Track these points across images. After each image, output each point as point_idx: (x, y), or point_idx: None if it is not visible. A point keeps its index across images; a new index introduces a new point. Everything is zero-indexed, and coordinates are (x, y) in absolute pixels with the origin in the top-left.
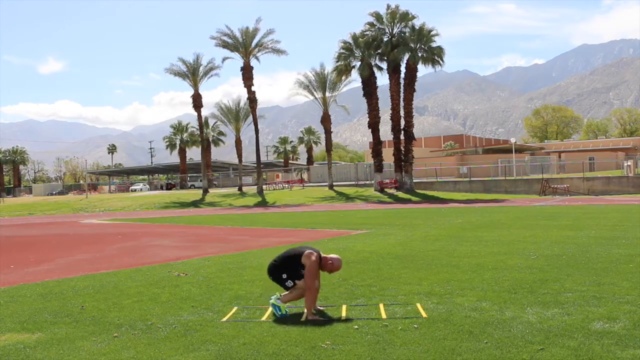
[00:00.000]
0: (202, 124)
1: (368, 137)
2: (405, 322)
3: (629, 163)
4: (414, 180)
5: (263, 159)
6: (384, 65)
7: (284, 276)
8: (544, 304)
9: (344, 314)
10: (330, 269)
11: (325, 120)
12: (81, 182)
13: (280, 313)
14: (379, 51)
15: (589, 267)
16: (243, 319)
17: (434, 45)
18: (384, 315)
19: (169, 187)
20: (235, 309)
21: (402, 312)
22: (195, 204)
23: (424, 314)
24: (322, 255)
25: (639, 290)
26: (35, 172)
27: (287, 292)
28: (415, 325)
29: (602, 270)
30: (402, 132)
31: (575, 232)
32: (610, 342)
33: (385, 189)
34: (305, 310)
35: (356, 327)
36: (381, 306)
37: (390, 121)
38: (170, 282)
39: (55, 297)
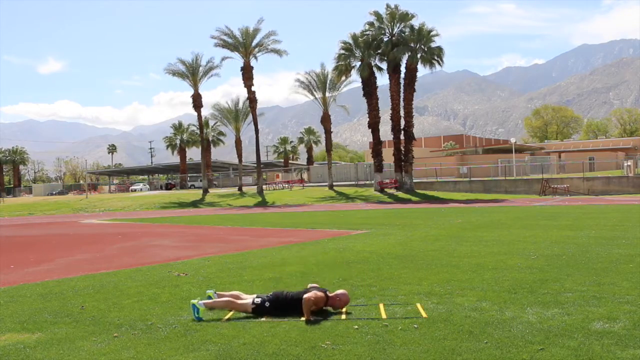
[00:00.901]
0: (202, 124)
1: (368, 137)
2: (405, 322)
3: (629, 163)
4: (414, 180)
5: (263, 159)
6: (384, 65)
7: (267, 305)
8: (544, 304)
9: (343, 314)
10: (339, 305)
11: (325, 120)
12: (81, 182)
13: (197, 316)
14: (379, 51)
15: (589, 267)
16: (243, 318)
17: (433, 45)
18: (384, 315)
19: (169, 187)
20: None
21: (402, 312)
22: (195, 204)
23: (423, 314)
24: (329, 294)
25: (639, 290)
26: (35, 172)
27: (216, 300)
28: (415, 325)
29: (602, 270)
30: (402, 132)
31: (575, 232)
32: (610, 342)
33: (385, 189)
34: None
35: (356, 327)
36: (381, 306)
37: (390, 121)
38: (170, 282)
39: (55, 297)
